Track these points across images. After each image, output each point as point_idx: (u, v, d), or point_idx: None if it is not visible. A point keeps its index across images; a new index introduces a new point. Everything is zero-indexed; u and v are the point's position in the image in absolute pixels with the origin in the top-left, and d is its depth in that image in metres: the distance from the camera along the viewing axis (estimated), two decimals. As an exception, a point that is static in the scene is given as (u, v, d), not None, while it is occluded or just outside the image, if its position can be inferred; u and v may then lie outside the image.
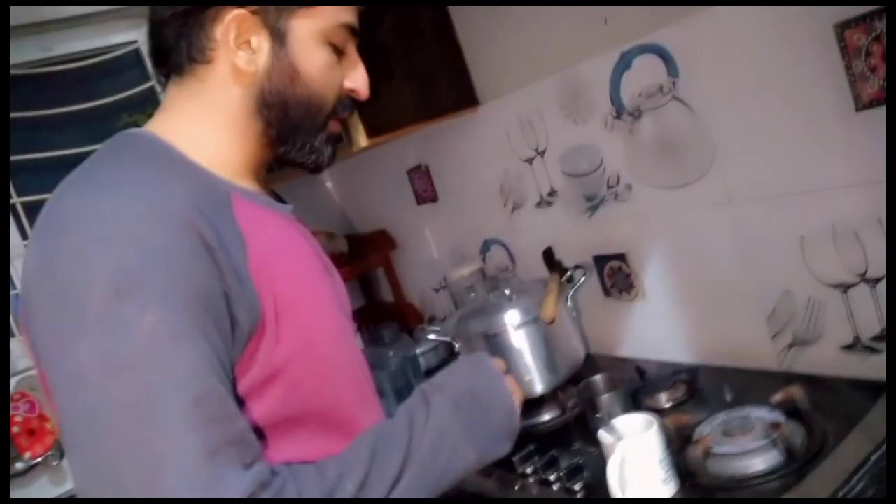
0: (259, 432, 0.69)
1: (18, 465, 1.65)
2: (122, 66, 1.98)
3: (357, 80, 0.83)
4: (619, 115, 1.35)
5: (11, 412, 1.66)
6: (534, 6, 1.42)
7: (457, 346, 1.46)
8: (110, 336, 0.59)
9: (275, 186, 0.95)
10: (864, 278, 1.06)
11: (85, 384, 0.59)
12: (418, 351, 1.80)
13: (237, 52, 0.74)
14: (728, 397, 1.18)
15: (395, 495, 0.69)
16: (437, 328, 1.56)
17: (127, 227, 0.63)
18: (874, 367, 1.08)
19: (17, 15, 1.72)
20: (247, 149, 0.79)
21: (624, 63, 1.30)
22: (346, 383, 0.81)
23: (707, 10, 1.13)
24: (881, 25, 0.92)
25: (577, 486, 1.07)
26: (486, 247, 1.87)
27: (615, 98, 1.34)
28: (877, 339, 1.08)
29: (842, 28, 0.96)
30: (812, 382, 1.11)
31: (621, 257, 1.47)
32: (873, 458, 0.91)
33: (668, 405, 1.23)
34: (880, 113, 0.96)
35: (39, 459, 1.67)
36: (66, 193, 0.68)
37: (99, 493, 0.60)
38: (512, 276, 1.77)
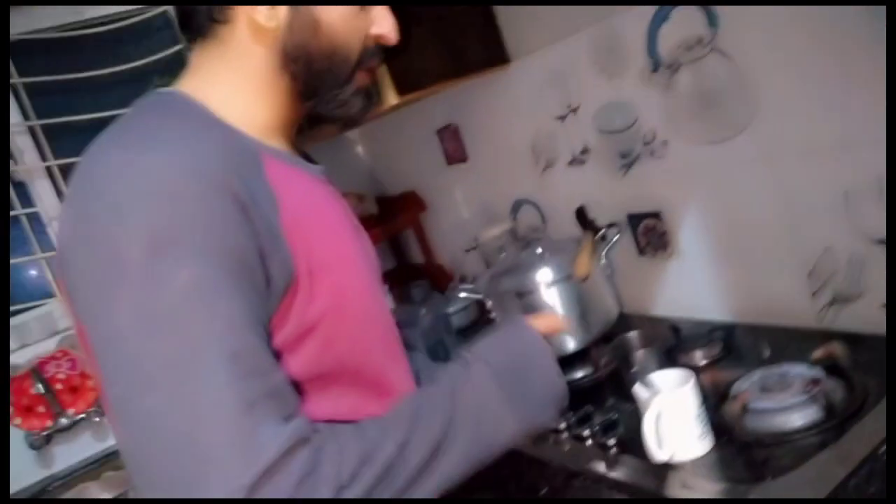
0: (296, 387, 0.69)
1: (63, 421, 1.70)
2: (152, 29, 2.00)
3: (384, 25, 0.81)
4: (655, 69, 1.32)
5: (55, 370, 1.71)
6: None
7: (489, 304, 1.46)
8: (146, 292, 0.60)
9: (305, 148, 0.94)
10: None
11: (123, 339, 0.60)
12: (450, 310, 1.81)
13: (256, 7, 0.73)
14: (765, 354, 1.17)
15: (436, 461, 0.69)
16: (470, 286, 1.55)
17: (163, 183, 0.62)
18: (917, 325, 1.06)
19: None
20: (275, 107, 0.79)
21: (661, 15, 1.26)
22: (378, 341, 0.82)
23: (750, -43, 1.09)
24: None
25: (610, 442, 1.06)
26: (516, 207, 1.86)
27: (652, 51, 1.31)
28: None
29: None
30: (852, 340, 1.10)
31: (656, 215, 1.45)
32: (915, 414, 0.89)
33: (703, 362, 1.23)
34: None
35: (82, 416, 1.73)
36: (101, 151, 0.68)
37: (139, 447, 0.61)
38: (543, 235, 1.75)
